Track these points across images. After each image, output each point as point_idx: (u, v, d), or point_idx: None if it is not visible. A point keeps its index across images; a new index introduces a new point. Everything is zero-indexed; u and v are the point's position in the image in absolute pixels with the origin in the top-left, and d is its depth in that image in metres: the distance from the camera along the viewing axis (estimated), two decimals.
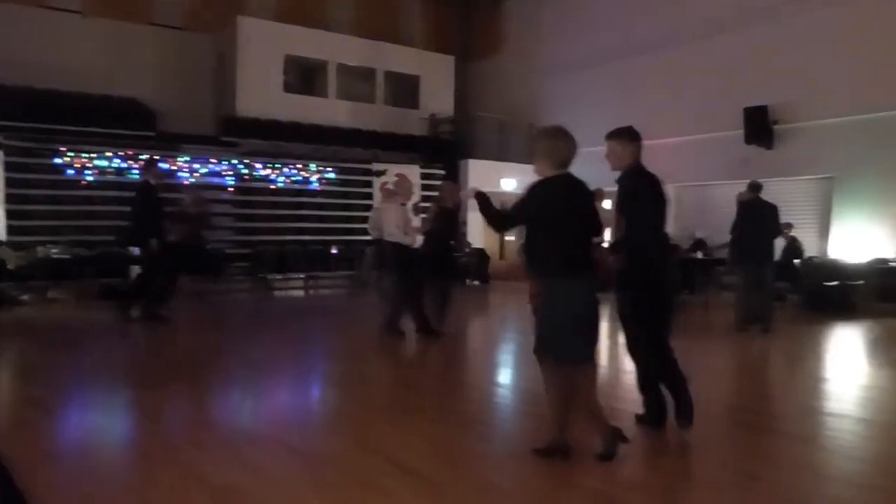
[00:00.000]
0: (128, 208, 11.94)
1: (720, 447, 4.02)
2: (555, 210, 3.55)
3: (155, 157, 11.46)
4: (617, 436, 3.62)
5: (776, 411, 4.92)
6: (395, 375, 6.31)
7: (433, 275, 7.66)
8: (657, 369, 4.21)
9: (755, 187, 8.32)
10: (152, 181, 8.71)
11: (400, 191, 7.73)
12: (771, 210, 8.26)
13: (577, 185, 3.66)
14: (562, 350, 3.54)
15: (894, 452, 4.04)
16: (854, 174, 11.30)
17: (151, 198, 8.50)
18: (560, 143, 3.64)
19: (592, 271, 3.62)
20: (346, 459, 3.68)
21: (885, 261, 10.51)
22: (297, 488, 3.24)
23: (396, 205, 7.58)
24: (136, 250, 9.63)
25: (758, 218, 8.14)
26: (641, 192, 4.09)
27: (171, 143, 13.17)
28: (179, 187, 11.62)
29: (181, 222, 9.26)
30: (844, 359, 7.31)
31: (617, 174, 4.21)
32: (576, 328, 3.51)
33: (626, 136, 4.22)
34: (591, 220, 3.67)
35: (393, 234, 7.42)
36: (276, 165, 14.06)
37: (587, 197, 3.68)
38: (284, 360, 6.65)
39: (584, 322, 3.53)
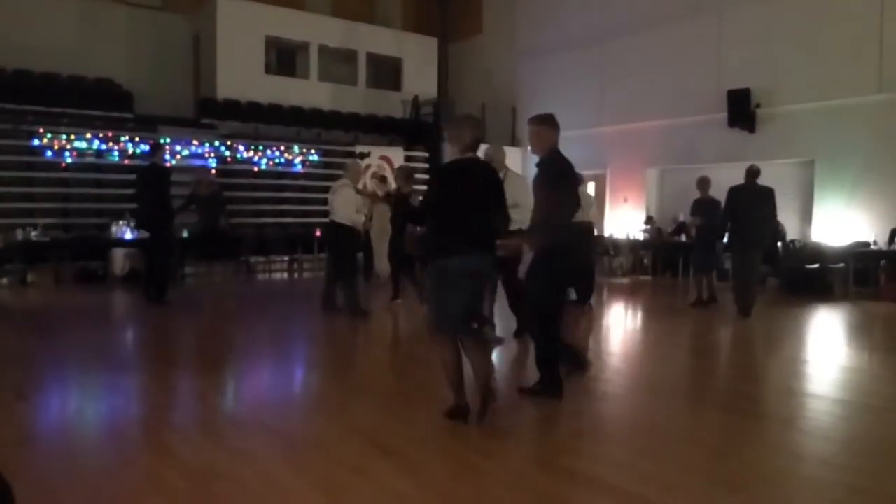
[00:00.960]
0: (107, 190, 11.98)
1: (694, 427, 4.07)
2: (448, 192, 3.83)
3: (160, 141, 11.35)
4: (489, 400, 3.88)
5: (752, 393, 4.99)
6: (377, 358, 6.31)
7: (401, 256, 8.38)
8: (536, 336, 4.59)
9: (753, 173, 8.25)
10: (160, 164, 8.78)
11: (350, 175, 8.10)
12: (767, 194, 8.19)
13: (474, 168, 3.92)
14: (445, 325, 3.83)
15: (869, 433, 4.10)
16: (835, 158, 11.40)
17: (165, 180, 8.60)
18: (464, 129, 3.92)
19: (484, 249, 3.85)
20: (327, 441, 3.68)
21: (864, 244, 10.64)
22: (277, 470, 3.24)
23: (350, 188, 7.98)
24: (142, 234, 9.77)
25: (752, 203, 8.09)
26: (564, 176, 4.40)
27: (150, 125, 12.99)
28: (189, 170, 11.51)
29: (197, 208, 9.26)
30: (822, 341, 7.41)
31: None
32: (455, 304, 3.78)
33: (553, 123, 4.49)
34: (487, 200, 3.86)
35: (347, 216, 7.85)
36: (259, 148, 13.93)
37: (483, 179, 3.90)
38: (265, 343, 6.63)
39: (464, 299, 3.79)
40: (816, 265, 10.74)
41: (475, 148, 3.96)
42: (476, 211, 3.83)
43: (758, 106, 12.36)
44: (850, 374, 5.69)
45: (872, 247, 10.57)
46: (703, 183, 9.11)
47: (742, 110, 12.37)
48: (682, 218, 13.41)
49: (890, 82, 10.74)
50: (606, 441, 3.83)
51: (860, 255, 10.44)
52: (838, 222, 11.43)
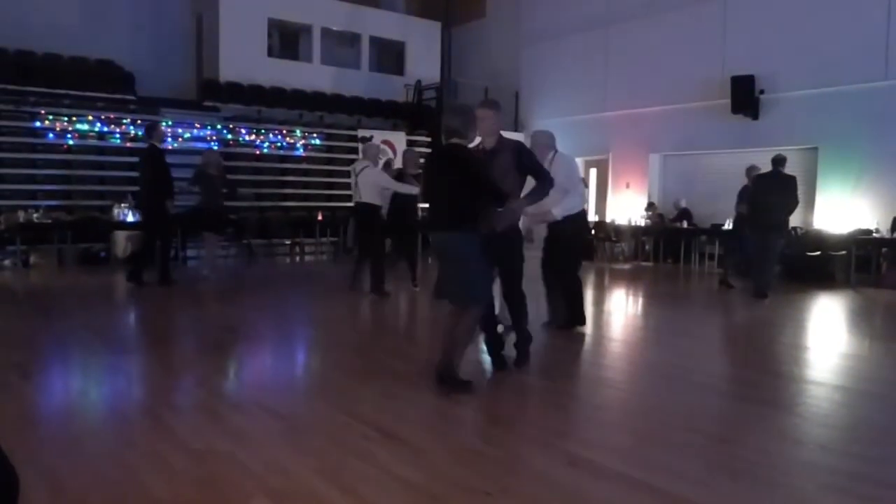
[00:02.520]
0: (109, 173, 11.95)
1: (695, 413, 4.06)
2: (428, 176, 4.49)
3: (157, 121, 11.30)
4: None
5: (753, 379, 4.97)
6: (379, 341, 6.31)
7: (399, 237, 8.93)
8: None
9: (777, 161, 8.67)
10: (158, 144, 8.79)
11: (370, 156, 8.36)
12: (789, 182, 8.60)
13: (446, 154, 4.26)
14: (442, 293, 4.32)
15: (869, 420, 4.10)
16: (838, 145, 11.32)
17: (162, 161, 8.66)
18: (448, 119, 4.29)
19: (464, 226, 4.14)
20: (329, 424, 3.67)
21: (867, 231, 10.59)
22: (278, 452, 3.24)
23: (374, 168, 8.28)
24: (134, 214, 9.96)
25: (773, 190, 8.54)
26: (513, 158, 4.62)
27: (152, 108, 12.92)
28: (200, 151, 11.44)
29: (202, 184, 9.24)
30: (823, 328, 7.40)
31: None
32: (449, 276, 4.25)
33: (499, 108, 4.79)
34: (459, 182, 4.12)
35: (374, 196, 8.12)
36: (261, 131, 13.86)
37: (454, 163, 4.18)
38: (267, 326, 6.62)
39: (453, 271, 4.22)
40: (818, 252, 10.71)
41: (458, 134, 4.22)
42: (440, 192, 4.21)
43: (762, 92, 12.27)
44: (851, 360, 5.67)
45: (874, 234, 10.53)
46: (752, 171, 9.28)
47: (745, 97, 12.27)
48: (683, 204, 13.38)
49: (895, 69, 10.64)
50: (608, 426, 3.82)
51: (862, 242, 10.41)
52: (841, 210, 11.38)
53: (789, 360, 5.64)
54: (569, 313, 6.33)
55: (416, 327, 7.05)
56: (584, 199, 6.18)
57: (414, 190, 8.03)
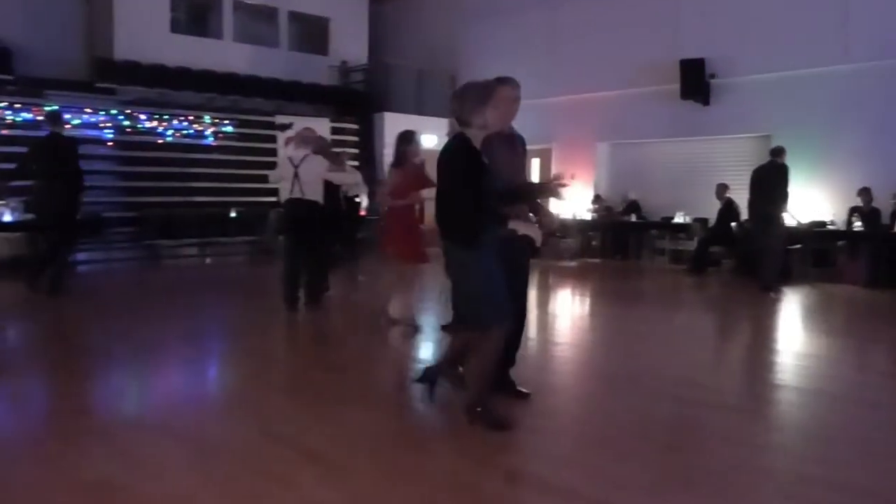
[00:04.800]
0: None
1: (647, 420, 4.14)
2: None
3: (56, 108, 10.73)
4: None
5: (705, 381, 5.11)
6: (302, 352, 6.21)
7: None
8: None
9: (773, 152, 9.63)
10: (64, 134, 8.46)
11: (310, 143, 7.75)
12: (776, 172, 9.41)
13: (445, 148, 3.86)
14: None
15: (825, 421, 4.27)
16: (792, 133, 11.72)
17: (75, 151, 8.32)
18: (452, 102, 3.85)
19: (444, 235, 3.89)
20: (244, 447, 3.59)
21: (822, 223, 11.04)
22: (185, 481, 3.14)
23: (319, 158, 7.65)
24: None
25: (766, 180, 9.42)
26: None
27: (35, 90, 12.35)
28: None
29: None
30: (780, 326, 7.69)
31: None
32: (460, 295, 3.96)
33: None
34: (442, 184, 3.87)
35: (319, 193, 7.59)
36: (164, 117, 13.46)
37: (442, 160, 3.82)
38: (174, 338, 6.42)
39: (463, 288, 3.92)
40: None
41: (461, 121, 3.78)
42: (440, 194, 3.84)
43: (712, 76, 12.65)
44: (808, 360, 5.90)
45: (830, 227, 10.99)
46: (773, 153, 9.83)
47: (695, 81, 12.62)
48: (632, 196, 13.68)
49: (855, 52, 11.11)
50: (552, 437, 3.85)
51: (818, 235, 10.84)
52: (796, 201, 11.82)
53: (743, 361, 5.83)
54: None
55: (343, 338, 6.96)
56: None
57: (349, 179, 7.78)
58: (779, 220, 9.60)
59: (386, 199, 6.83)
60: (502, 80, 4.15)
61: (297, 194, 7.32)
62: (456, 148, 3.75)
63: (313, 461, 3.38)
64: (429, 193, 6.59)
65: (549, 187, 4.43)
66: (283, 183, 7.45)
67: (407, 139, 6.89)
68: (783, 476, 3.30)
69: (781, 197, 9.46)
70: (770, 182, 9.42)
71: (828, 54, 11.36)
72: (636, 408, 4.34)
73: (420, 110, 15.84)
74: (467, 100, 3.72)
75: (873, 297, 9.23)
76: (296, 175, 7.31)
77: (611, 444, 3.71)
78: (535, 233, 3.89)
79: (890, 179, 10.35)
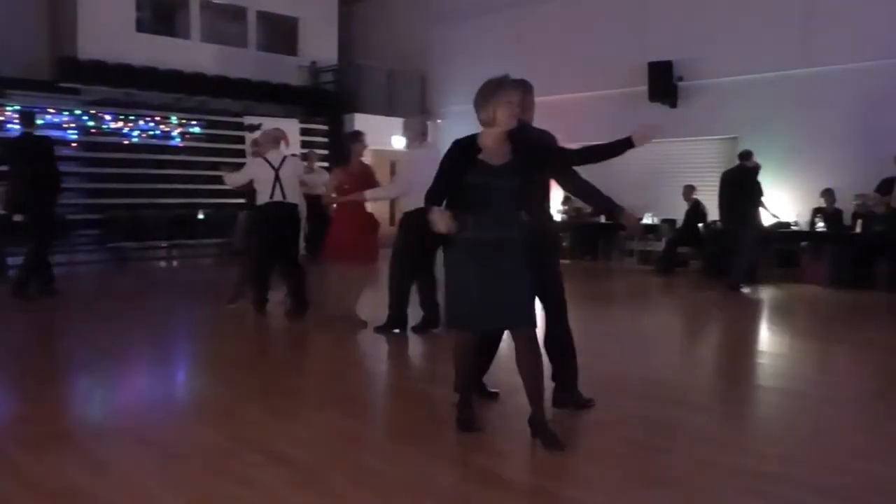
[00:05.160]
0: None
1: (611, 417, 4.19)
2: None
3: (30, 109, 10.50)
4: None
5: (671, 380, 5.19)
6: (271, 355, 6.19)
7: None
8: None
9: (741, 155, 9.91)
10: (37, 135, 8.40)
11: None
12: (747, 174, 9.73)
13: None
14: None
15: (789, 420, 4.37)
16: (757, 135, 11.92)
17: (52, 152, 8.23)
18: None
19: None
20: (213, 452, 3.57)
21: (786, 224, 11.26)
22: (151, 487, 3.12)
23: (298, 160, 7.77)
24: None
25: (733, 183, 9.83)
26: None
27: None
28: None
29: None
30: (745, 326, 7.82)
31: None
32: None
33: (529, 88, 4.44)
34: None
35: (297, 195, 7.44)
36: (130, 117, 13.30)
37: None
38: (141, 342, 6.37)
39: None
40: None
41: (484, 123, 3.67)
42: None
43: (680, 79, 12.83)
44: (773, 359, 6.03)
45: (794, 227, 11.21)
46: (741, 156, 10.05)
47: (663, 84, 12.80)
48: None
49: (815, 55, 11.35)
50: (521, 438, 3.88)
51: (782, 236, 11.05)
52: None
53: (709, 360, 5.93)
54: (427, 313, 6.56)
55: (313, 341, 6.94)
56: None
57: (319, 181, 7.69)
58: (752, 221, 9.85)
59: (329, 198, 6.84)
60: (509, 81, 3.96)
61: (278, 197, 7.10)
62: (453, 144, 3.74)
63: (284, 465, 3.37)
64: (372, 194, 6.66)
65: (630, 220, 4.34)
66: (260, 186, 7.19)
67: (353, 138, 6.96)
68: (751, 475, 3.36)
69: (752, 198, 9.74)
70: (740, 184, 9.70)
71: (790, 58, 11.60)
72: (606, 408, 4.39)
73: (390, 111, 15.82)
74: (477, 95, 3.70)
75: (835, 297, 9.43)
76: (277, 178, 7.11)
77: (580, 443, 3.75)
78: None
79: (852, 181, 10.57)
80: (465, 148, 3.69)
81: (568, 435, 3.89)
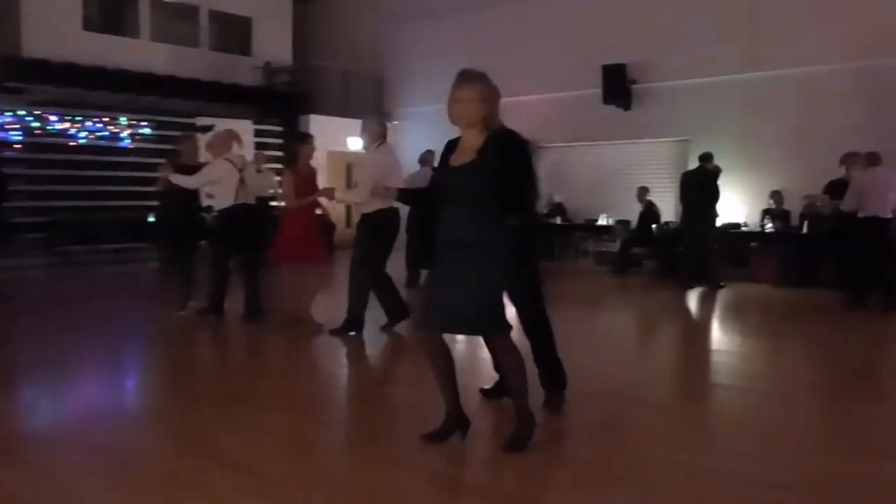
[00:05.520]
0: None
1: (567, 417, 4.23)
2: None
3: None
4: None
5: (628, 378, 5.25)
6: (222, 359, 6.09)
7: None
8: None
9: (700, 157, 10.31)
10: None
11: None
12: (706, 176, 10.11)
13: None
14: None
15: (744, 416, 4.45)
16: (709, 137, 12.15)
17: None
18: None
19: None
20: (164, 459, 3.49)
21: (737, 225, 11.49)
22: (99, 496, 3.03)
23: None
24: None
25: (692, 185, 10.17)
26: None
27: None
28: None
29: None
30: (699, 325, 7.96)
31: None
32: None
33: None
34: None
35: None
36: (77, 118, 12.98)
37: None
38: (90, 347, 6.21)
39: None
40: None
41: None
42: None
43: (633, 82, 13.01)
44: (726, 357, 6.15)
45: (743, 228, 11.45)
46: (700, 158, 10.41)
47: (617, 86, 12.96)
48: (557, 199, 13.91)
49: (762, 59, 11.62)
50: (479, 440, 3.88)
51: (732, 236, 11.28)
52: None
53: (665, 359, 6.02)
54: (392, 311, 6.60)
55: (267, 345, 6.85)
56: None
57: (266, 182, 7.56)
58: (709, 222, 10.16)
59: (289, 201, 6.79)
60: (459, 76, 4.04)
61: (242, 199, 7.01)
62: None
63: (237, 471, 3.31)
64: (342, 196, 6.63)
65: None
66: (223, 188, 7.02)
67: (302, 140, 6.93)
68: (708, 472, 3.40)
69: (712, 200, 10.08)
70: (701, 186, 10.07)
71: (739, 62, 11.85)
72: (565, 408, 4.42)
73: (346, 112, 15.70)
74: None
75: (784, 296, 9.64)
76: (241, 180, 7.00)
77: (537, 444, 3.76)
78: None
79: (801, 182, 10.82)
80: (446, 147, 3.70)
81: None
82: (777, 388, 5.13)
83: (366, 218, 6.27)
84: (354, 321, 6.38)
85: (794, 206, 10.94)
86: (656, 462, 3.52)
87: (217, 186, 7.07)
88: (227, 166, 7.03)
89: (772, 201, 11.13)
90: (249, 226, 7.15)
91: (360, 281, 6.37)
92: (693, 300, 9.35)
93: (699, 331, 7.57)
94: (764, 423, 4.27)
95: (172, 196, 7.29)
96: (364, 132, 6.50)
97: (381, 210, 6.14)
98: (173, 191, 7.15)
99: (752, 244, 11.33)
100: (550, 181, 14.53)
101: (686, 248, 10.26)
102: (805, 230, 10.40)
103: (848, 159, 8.99)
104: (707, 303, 9.26)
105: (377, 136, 6.41)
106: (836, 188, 9.09)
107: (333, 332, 6.38)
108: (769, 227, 10.94)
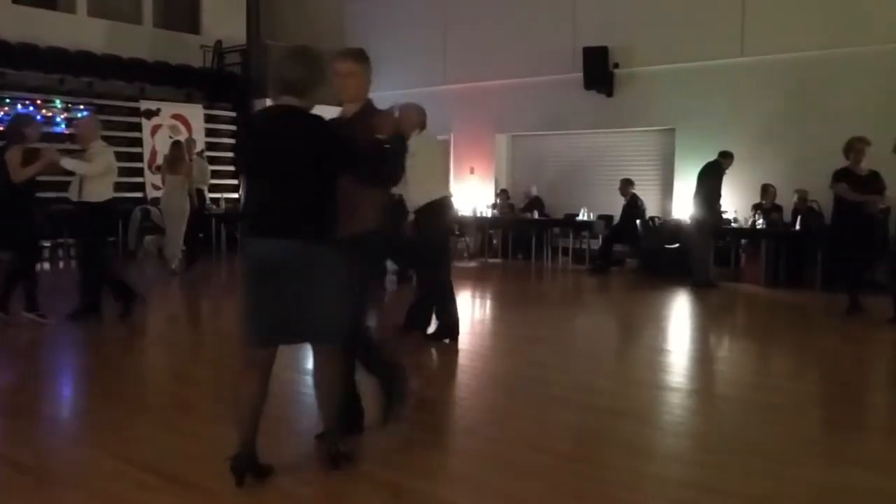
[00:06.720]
0: None
1: (539, 428, 4.27)
2: (251, 155, 3.70)
3: None
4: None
5: (605, 387, 5.31)
6: (164, 365, 6.04)
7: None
8: None
9: (722, 154, 10.58)
10: None
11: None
12: (710, 169, 10.47)
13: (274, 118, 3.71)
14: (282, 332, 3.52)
15: (722, 426, 4.53)
16: (695, 126, 12.28)
17: None
18: (285, 68, 3.75)
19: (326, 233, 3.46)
20: (91, 473, 3.48)
21: (726, 221, 11.60)
22: None
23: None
24: None
25: (700, 180, 10.47)
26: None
27: None
28: None
29: None
30: (681, 328, 8.06)
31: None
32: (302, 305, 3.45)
33: (368, 60, 4.20)
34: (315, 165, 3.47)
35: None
36: (6, 100, 12.78)
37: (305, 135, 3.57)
38: (15, 353, 6.16)
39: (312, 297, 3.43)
40: (677, 245, 11.58)
41: (295, 92, 3.55)
42: (282, 180, 3.39)
43: (616, 66, 13.08)
44: (708, 363, 6.24)
45: (733, 224, 11.55)
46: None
47: (599, 71, 12.99)
48: (534, 192, 13.98)
49: (752, 45, 11.74)
50: (441, 451, 3.91)
51: (721, 233, 11.35)
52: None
53: (644, 365, 6.08)
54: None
55: (206, 350, 6.81)
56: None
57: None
58: (703, 219, 10.38)
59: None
60: (338, 53, 4.13)
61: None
62: (312, 119, 3.59)
63: (171, 484, 3.32)
64: None
65: None
66: (110, 178, 7.21)
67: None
68: (681, 485, 3.48)
69: (700, 195, 10.40)
70: (703, 181, 10.50)
71: (725, 47, 11.93)
72: (533, 417, 4.46)
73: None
74: (317, 71, 3.73)
75: (773, 297, 9.78)
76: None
77: (502, 456, 3.79)
78: None
79: (793, 175, 10.97)
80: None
81: (492, 449, 3.94)
82: (761, 396, 5.19)
83: None
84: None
85: (788, 201, 11.01)
86: (628, 475, 3.57)
87: (108, 176, 7.15)
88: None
89: (763, 198, 11.14)
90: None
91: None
92: (674, 301, 9.45)
93: (681, 335, 7.66)
94: (744, 433, 4.35)
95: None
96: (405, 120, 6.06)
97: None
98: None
99: (743, 241, 11.38)
100: (527, 172, 14.63)
101: (707, 244, 10.50)
102: (798, 226, 10.46)
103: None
104: (689, 305, 9.37)
105: (418, 124, 6.33)
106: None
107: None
108: (760, 223, 10.96)
